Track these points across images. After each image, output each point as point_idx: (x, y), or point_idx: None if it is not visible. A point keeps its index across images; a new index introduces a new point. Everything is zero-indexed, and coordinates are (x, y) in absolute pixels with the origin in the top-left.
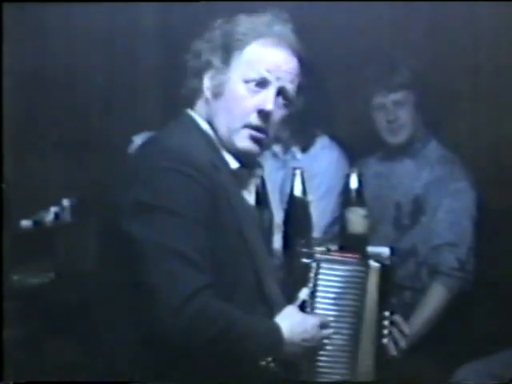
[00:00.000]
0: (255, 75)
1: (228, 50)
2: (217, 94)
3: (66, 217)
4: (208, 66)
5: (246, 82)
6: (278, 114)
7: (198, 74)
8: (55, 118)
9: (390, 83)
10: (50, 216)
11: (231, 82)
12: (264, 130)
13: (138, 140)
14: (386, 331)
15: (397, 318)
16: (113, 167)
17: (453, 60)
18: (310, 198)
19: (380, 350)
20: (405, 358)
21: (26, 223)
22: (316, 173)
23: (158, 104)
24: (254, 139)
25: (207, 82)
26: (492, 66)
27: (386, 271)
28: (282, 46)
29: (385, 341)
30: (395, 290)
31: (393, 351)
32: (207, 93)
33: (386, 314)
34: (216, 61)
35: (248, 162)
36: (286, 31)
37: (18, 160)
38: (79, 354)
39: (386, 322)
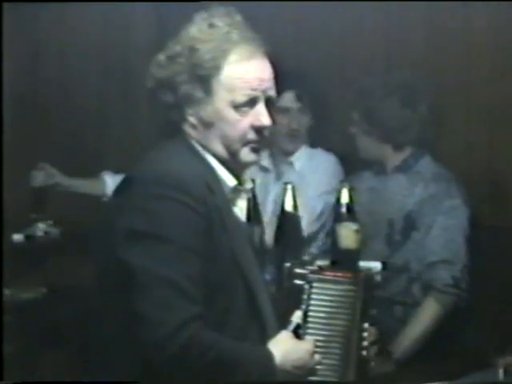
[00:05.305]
0: (243, 98)
1: (205, 80)
2: (207, 123)
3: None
4: (189, 98)
5: (235, 106)
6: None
7: (178, 107)
8: (50, 131)
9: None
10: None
11: (219, 110)
12: (262, 140)
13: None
14: (365, 343)
15: (372, 330)
16: None
17: (447, 74)
18: (310, 193)
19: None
20: (397, 374)
21: (17, 237)
22: (315, 170)
23: (154, 121)
24: (255, 150)
25: (192, 113)
26: (487, 81)
27: (367, 282)
28: (254, 55)
29: (365, 353)
30: (375, 302)
31: (377, 362)
32: (193, 121)
33: (366, 325)
34: (197, 93)
35: (243, 177)
36: (245, 34)
37: (14, 173)
38: (71, 368)
39: (365, 334)
